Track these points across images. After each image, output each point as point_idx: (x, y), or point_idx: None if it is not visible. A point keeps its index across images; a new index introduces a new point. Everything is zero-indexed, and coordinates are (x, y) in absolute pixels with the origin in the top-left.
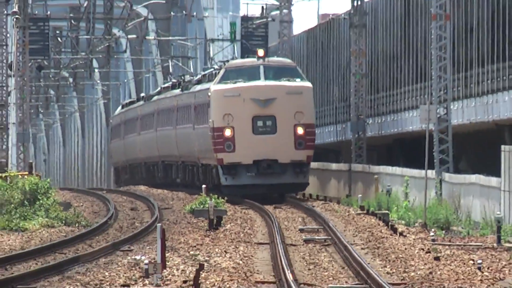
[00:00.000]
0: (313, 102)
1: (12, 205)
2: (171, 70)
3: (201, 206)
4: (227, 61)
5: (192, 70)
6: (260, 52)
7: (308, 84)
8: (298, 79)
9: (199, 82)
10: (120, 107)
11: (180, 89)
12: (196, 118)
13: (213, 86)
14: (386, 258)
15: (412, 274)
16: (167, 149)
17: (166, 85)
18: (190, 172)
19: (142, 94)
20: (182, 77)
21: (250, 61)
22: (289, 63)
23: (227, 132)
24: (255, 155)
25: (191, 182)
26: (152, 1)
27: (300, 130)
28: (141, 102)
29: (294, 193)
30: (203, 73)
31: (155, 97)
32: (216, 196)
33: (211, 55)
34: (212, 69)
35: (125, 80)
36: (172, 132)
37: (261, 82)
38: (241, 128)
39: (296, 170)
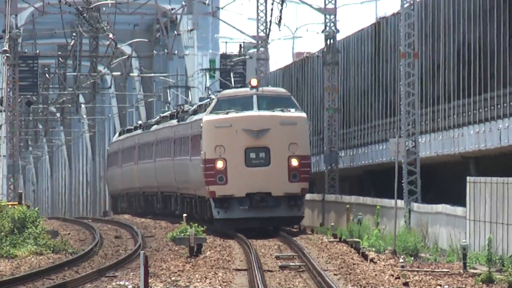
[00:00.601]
0: (308, 133)
1: (2, 233)
2: (169, 99)
3: (182, 234)
4: (221, 90)
5: (189, 100)
6: (253, 82)
7: (302, 114)
8: (293, 109)
9: (195, 112)
10: (117, 134)
11: (177, 119)
12: (192, 150)
13: (205, 117)
14: (358, 283)
15: None
16: (166, 180)
17: (165, 114)
18: (189, 204)
19: (140, 122)
20: (181, 107)
21: (243, 91)
22: (283, 93)
23: (219, 164)
24: (248, 188)
25: (189, 214)
26: (135, 40)
27: (294, 162)
28: (139, 131)
29: (289, 227)
30: (199, 103)
31: (154, 127)
32: (196, 224)
33: (207, 85)
34: (208, 99)
35: (110, 115)
36: (170, 163)
37: (254, 112)
38: (234, 160)
39: (290, 203)
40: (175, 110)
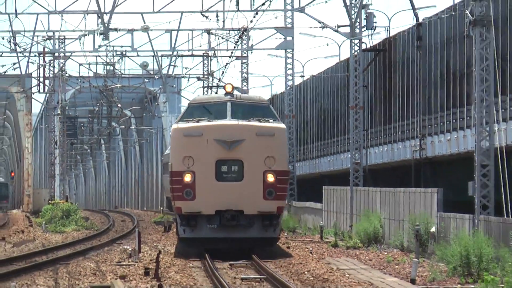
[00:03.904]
0: (286, 146)
1: (56, 218)
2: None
3: (159, 219)
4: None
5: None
6: (228, 87)
7: (281, 125)
8: (271, 119)
9: None
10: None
11: None
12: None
13: (174, 125)
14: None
15: (274, 255)
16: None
17: None
18: None
19: None
20: None
21: (216, 97)
22: (261, 101)
23: (187, 178)
24: (218, 205)
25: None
26: (133, 108)
27: (270, 178)
28: None
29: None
30: None
31: None
32: (167, 215)
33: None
34: None
35: (118, 151)
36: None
37: (228, 121)
38: (203, 173)
39: (264, 223)
40: None
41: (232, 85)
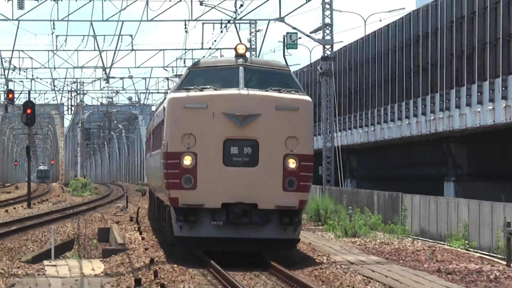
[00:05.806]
0: (312, 124)
1: (78, 188)
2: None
3: (139, 188)
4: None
5: None
6: (241, 48)
7: (306, 97)
8: (293, 89)
9: None
10: None
11: None
12: (154, 141)
13: (171, 94)
14: None
15: None
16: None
17: None
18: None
19: None
20: None
21: (226, 60)
22: (281, 66)
23: (186, 161)
24: (226, 197)
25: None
26: (123, 123)
27: (292, 164)
28: None
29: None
30: None
31: None
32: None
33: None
34: None
35: (115, 149)
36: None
37: (240, 90)
38: (207, 155)
39: (283, 220)
40: None
41: (245, 45)
